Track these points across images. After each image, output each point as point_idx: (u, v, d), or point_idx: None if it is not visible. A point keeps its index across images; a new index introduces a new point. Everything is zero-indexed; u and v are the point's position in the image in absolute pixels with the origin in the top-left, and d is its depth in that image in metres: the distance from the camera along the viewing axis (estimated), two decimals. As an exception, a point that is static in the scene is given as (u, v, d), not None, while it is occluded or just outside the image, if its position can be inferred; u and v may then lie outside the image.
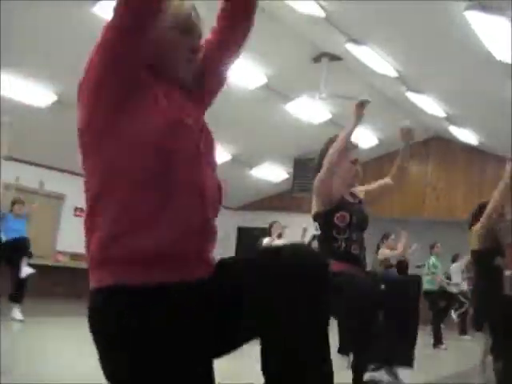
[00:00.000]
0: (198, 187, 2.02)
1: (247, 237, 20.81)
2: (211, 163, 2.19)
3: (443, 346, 12.24)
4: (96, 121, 1.95)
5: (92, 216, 1.94)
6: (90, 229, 1.96)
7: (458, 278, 15.18)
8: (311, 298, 1.83)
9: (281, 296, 1.81)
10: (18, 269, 10.66)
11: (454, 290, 14.10)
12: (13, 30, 9.94)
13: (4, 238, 10.34)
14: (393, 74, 12.28)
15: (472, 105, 13.94)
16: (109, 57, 1.94)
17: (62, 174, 15.81)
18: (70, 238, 16.09)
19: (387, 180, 4.83)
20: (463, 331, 14.16)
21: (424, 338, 13.39)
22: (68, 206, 16.39)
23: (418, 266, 14.19)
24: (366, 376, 4.62)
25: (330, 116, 15.43)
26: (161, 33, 2.02)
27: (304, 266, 1.85)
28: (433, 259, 13.17)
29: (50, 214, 16.11)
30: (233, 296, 1.91)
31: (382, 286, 4.39)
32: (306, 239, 11.88)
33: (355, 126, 4.64)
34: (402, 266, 14.32)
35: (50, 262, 15.48)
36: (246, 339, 1.99)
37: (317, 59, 12.46)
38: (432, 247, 13.28)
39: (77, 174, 16.16)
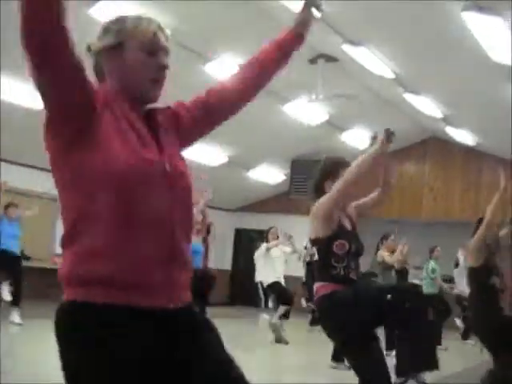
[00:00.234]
0: (164, 221, 2.07)
1: (245, 238, 20.83)
2: (182, 196, 2.19)
3: (442, 347, 12.25)
4: (58, 164, 2.09)
5: (67, 237, 2.07)
6: (65, 246, 2.08)
7: (462, 282, 15.18)
8: None
9: None
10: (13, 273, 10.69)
11: (456, 292, 14.14)
12: (10, 31, 9.94)
13: None
14: (390, 75, 12.28)
15: (469, 105, 13.96)
16: (48, 97, 2.07)
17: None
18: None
19: (377, 194, 4.77)
20: (466, 336, 14.13)
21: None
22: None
23: (417, 268, 14.20)
24: None
25: (327, 117, 15.43)
26: (128, 54, 2.14)
27: None
28: (432, 263, 13.17)
29: (48, 216, 16.07)
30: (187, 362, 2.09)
31: (388, 296, 4.39)
32: (290, 246, 11.98)
33: (376, 156, 4.60)
34: (403, 271, 14.37)
35: (47, 265, 15.45)
36: None
37: (313, 60, 12.45)
38: (432, 251, 13.28)
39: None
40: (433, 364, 6.51)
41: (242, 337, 11.82)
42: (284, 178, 19.47)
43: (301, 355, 10.04)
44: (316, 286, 4.45)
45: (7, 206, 10.98)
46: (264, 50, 2.69)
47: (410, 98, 13.76)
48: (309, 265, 13.45)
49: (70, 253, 2.06)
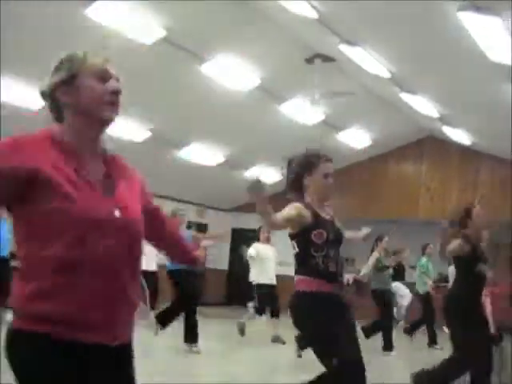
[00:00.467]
0: (111, 265, 2.25)
1: (241, 238, 20.80)
2: (130, 241, 2.35)
3: (438, 346, 12.27)
4: (14, 217, 2.29)
5: (21, 272, 2.26)
6: (19, 277, 2.26)
7: None
8: None
9: None
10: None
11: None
12: (7, 32, 9.93)
13: None
14: (386, 74, 12.28)
15: (466, 105, 13.96)
16: None
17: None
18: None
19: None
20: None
21: (421, 338, 13.44)
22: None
23: (412, 267, 14.26)
24: None
25: (323, 117, 15.43)
26: (82, 83, 2.36)
27: None
28: (424, 260, 13.23)
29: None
30: None
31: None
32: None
33: (269, 222, 4.39)
34: (400, 270, 14.47)
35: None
36: None
37: (310, 60, 12.45)
38: (424, 248, 13.35)
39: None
40: None
41: (238, 336, 11.82)
42: (280, 177, 19.46)
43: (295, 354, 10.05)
44: (296, 278, 4.49)
45: None
46: (175, 238, 3.01)
47: (406, 97, 13.76)
48: None
49: (22, 286, 2.24)
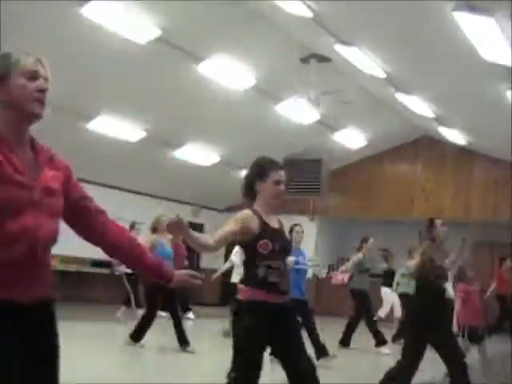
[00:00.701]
0: (29, 233, 2.61)
1: (237, 238, 20.76)
2: (47, 214, 2.73)
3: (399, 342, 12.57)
4: None
5: None
6: None
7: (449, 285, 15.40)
8: None
9: None
10: None
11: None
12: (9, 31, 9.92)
13: None
14: (381, 74, 12.29)
15: (460, 105, 13.98)
16: None
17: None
18: (60, 241, 15.98)
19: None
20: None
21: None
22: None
23: (404, 275, 14.33)
24: None
25: (318, 117, 15.43)
26: (13, 82, 2.64)
27: None
28: (414, 262, 13.30)
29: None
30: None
31: None
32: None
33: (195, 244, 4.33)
34: (388, 274, 14.66)
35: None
36: None
37: (305, 60, 12.46)
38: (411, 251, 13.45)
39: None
40: None
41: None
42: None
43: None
44: (239, 286, 4.63)
45: None
46: (127, 242, 3.09)
47: (401, 97, 13.78)
48: None
49: None
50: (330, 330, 14.24)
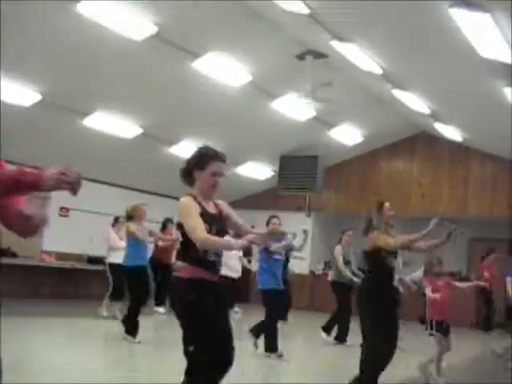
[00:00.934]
0: None
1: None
2: None
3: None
4: None
5: None
6: None
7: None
8: None
9: None
10: None
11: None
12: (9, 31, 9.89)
13: None
14: (378, 71, 12.29)
15: (457, 101, 13.99)
16: None
17: (47, 173, 15.70)
18: (56, 238, 16.02)
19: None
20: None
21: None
22: (54, 205, 16.26)
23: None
24: None
25: (315, 113, 15.43)
26: None
27: None
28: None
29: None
30: None
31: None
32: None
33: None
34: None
35: (35, 262, 15.41)
36: None
37: (301, 57, 12.44)
38: None
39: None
40: None
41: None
42: (272, 173, 19.48)
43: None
44: (178, 264, 4.88)
45: None
46: None
47: (398, 94, 13.77)
48: None
49: None
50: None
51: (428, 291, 8.58)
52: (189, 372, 4.68)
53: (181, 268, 4.81)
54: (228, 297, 4.95)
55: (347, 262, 12.01)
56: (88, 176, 16.31)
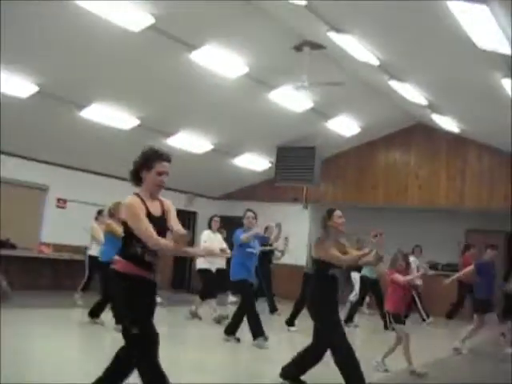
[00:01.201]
0: None
1: (229, 226, 20.81)
2: None
3: (352, 325, 13.35)
4: None
5: None
6: None
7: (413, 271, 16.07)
8: None
9: None
10: None
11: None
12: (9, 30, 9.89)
13: None
14: (375, 62, 12.28)
15: (454, 93, 13.98)
16: None
17: (45, 165, 15.73)
18: (54, 229, 16.03)
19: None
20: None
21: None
22: (51, 196, 16.30)
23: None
24: None
25: (312, 104, 15.43)
26: None
27: None
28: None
29: (35, 205, 16.03)
30: None
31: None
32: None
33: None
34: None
35: (34, 254, 15.42)
36: None
37: (298, 48, 12.43)
38: (375, 236, 13.69)
39: (60, 166, 16.09)
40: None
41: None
42: (269, 165, 19.48)
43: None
44: (116, 257, 5.16)
45: None
46: None
47: (395, 85, 13.77)
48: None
49: None
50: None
51: (389, 284, 8.68)
52: (129, 349, 5.05)
53: (117, 261, 5.10)
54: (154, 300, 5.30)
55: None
56: (84, 167, 16.34)
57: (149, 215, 5.06)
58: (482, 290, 10.87)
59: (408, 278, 8.88)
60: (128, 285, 5.02)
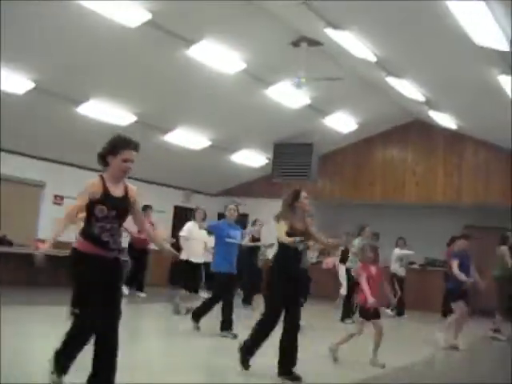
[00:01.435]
0: None
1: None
2: None
3: (349, 321, 12.93)
4: None
5: None
6: None
7: (396, 264, 16.18)
8: None
9: None
10: None
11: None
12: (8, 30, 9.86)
13: None
14: (372, 58, 12.27)
15: (451, 89, 13.98)
16: None
17: (42, 162, 15.70)
18: (50, 226, 15.98)
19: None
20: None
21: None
22: (48, 193, 16.27)
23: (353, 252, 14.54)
24: None
25: (309, 101, 15.42)
26: None
27: None
28: (357, 240, 13.56)
29: (33, 202, 16.00)
30: None
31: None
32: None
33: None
34: (344, 253, 14.96)
35: (30, 250, 15.38)
36: None
37: (296, 44, 12.42)
38: (361, 229, 13.68)
39: (56, 162, 16.07)
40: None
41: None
42: (266, 161, 19.46)
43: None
44: (78, 237, 5.49)
45: None
46: None
47: (392, 81, 13.76)
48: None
49: None
50: (319, 311, 14.41)
51: (359, 278, 8.67)
52: (69, 332, 5.36)
53: (78, 241, 5.44)
54: (121, 275, 5.70)
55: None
56: (81, 164, 16.29)
57: (108, 195, 5.34)
58: (455, 279, 10.88)
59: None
60: (85, 264, 5.31)
